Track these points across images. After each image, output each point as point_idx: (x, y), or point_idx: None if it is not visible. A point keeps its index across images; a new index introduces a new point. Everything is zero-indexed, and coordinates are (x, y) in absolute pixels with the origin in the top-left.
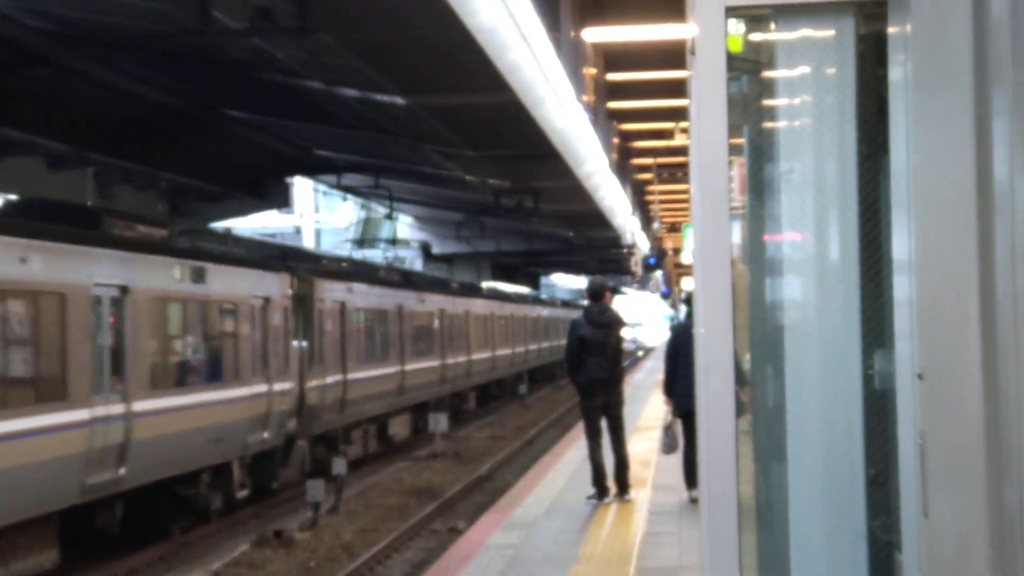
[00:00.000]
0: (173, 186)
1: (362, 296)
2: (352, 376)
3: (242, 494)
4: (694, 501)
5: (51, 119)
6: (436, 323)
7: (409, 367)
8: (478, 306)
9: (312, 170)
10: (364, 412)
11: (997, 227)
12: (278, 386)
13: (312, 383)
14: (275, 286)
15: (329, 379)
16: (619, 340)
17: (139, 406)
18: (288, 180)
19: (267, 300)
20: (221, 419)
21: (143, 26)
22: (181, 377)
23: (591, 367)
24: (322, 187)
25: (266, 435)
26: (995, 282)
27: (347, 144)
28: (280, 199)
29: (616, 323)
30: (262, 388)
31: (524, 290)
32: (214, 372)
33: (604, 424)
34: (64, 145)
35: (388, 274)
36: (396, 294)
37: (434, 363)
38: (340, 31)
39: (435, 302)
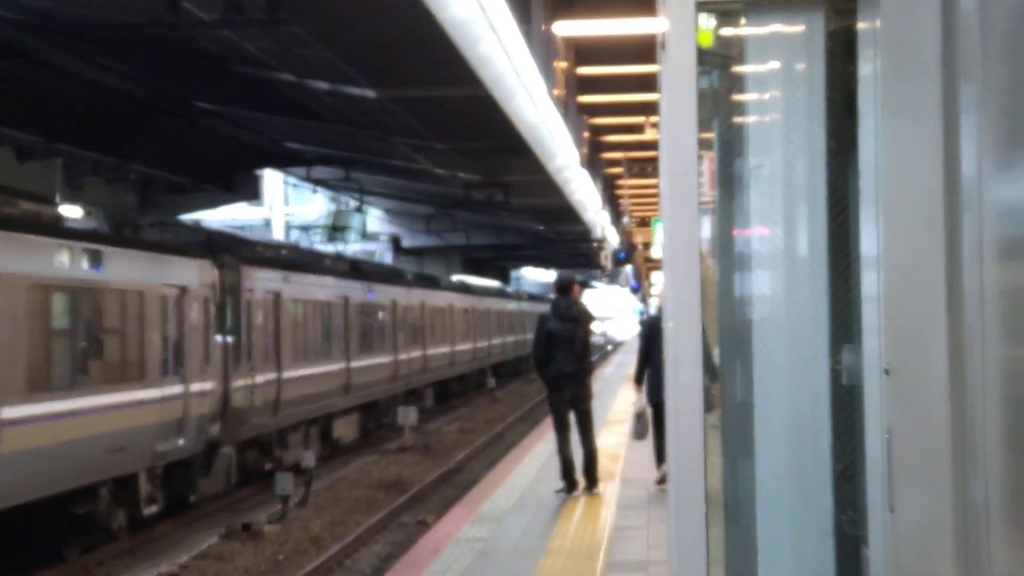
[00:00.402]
0: (143, 178)
1: (301, 286)
2: (288, 374)
3: (151, 510)
4: (662, 481)
5: (20, 110)
6: (388, 316)
7: (356, 364)
8: (436, 298)
9: (282, 163)
10: (303, 413)
11: (964, 223)
12: (196, 386)
13: (239, 383)
14: (193, 274)
15: (260, 378)
16: (587, 334)
17: (10, 413)
18: (258, 172)
19: (183, 289)
20: (123, 425)
21: (114, 17)
22: (68, 378)
23: (559, 361)
24: (292, 180)
25: (181, 442)
26: (962, 278)
27: (317, 137)
28: (250, 192)
29: (584, 317)
30: (176, 389)
31: (489, 283)
32: (112, 372)
33: (573, 418)
34: (33, 136)
35: (335, 263)
36: (342, 284)
37: (385, 359)
38: (311, 23)
39: (387, 293)
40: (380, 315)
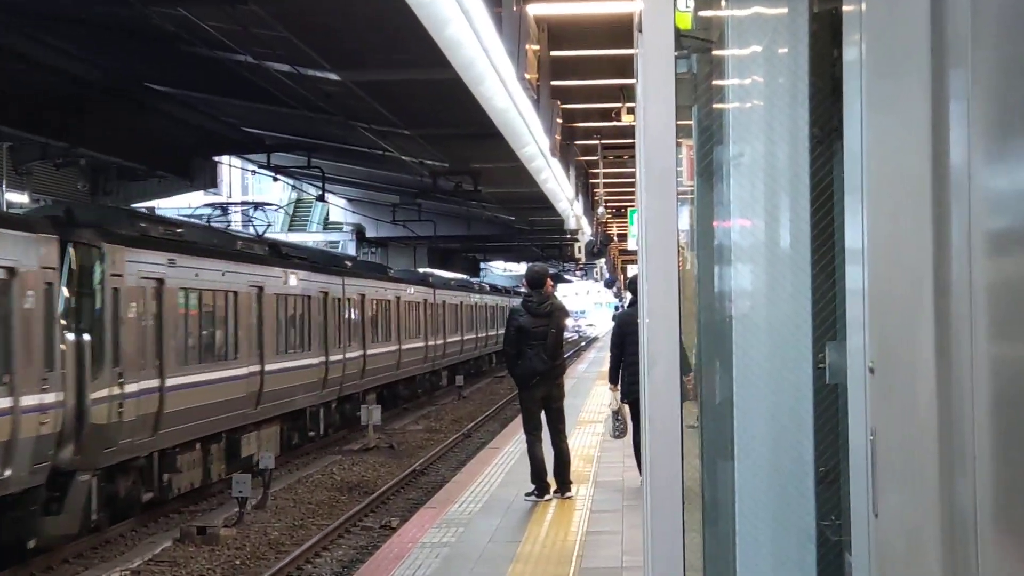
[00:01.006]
0: (94, 164)
1: (194, 272)
2: (174, 381)
3: None
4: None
5: None
6: (318, 310)
7: (272, 367)
8: (381, 289)
9: (241, 149)
10: (197, 429)
11: (953, 214)
12: (30, 399)
13: (100, 393)
14: (26, 253)
15: (133, 386)
16: (560, 330)
17: None
18: (215, 159)
19: (11, 272)
20: None
21: None
22: None
23: (530, 358)
24: (251, 167)
25: (8, 473)
26: (950, 272)
27: (277, 122)
28: (207, 179)
29: (557, 313)
30: None
31: (449, 274)
32: None
33: (544, 418)
34: None
35: (248, 245)
36: (255, 271)
37: (312, 361)
38: (271, 2)
39: (316, 283)
40: (307, 309)
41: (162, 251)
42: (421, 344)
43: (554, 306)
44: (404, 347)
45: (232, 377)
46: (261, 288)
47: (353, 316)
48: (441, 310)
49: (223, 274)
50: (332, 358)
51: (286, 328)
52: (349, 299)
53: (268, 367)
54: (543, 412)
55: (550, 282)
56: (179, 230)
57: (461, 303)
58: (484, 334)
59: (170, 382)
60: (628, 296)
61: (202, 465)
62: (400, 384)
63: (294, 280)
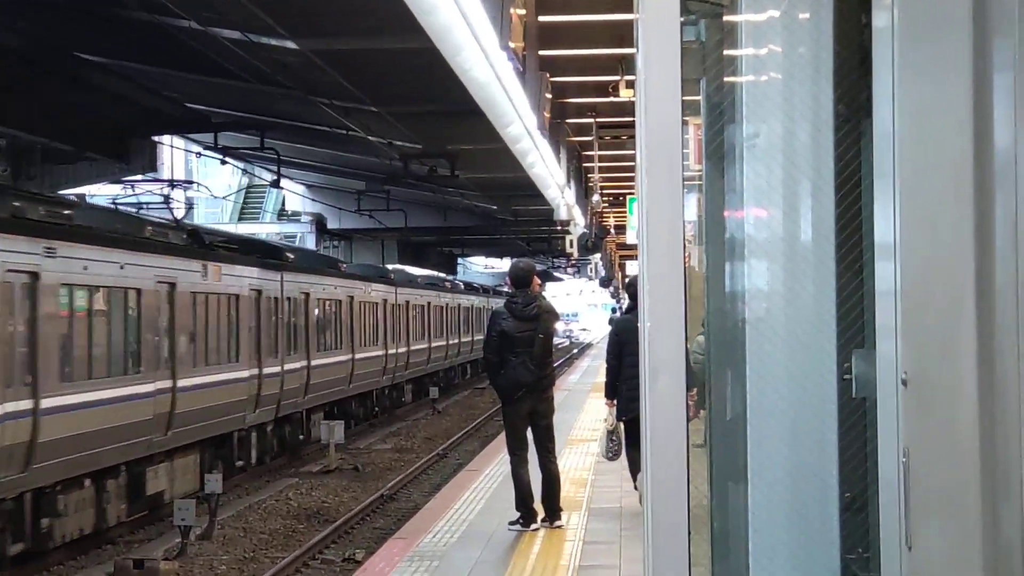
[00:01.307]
0: (16, 144)
1: (82, 265)
2: (53, 403)
3: None
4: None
5: None
6: (248, 312)
7: (187, 383)
8: (330, 288)
9: (184, 127)
10: (85, 462)
11: (997, 204)
12: None
13: None
14: None
15: None
16: (549, 336)
17: None
18: (155, 139)
19: None
20: None
21: None
22: None
23: (515, 368)
24: (196, 148)
25: None
26: (994, 269)
27: (226, 97)
28: (145, 162)
29: (545, 315)
30: None
31: (416, 271)
32: None
33: (531, 436)
34: None
35: (158, 232)
36: (165, 264)
37: (240, 374)
38: None
39: (247, 279)
40: (234, 310)
41: (38, 237)
42: (379, 353)
43: (542, 308)
44: (359, 357)
45: (133, 396)
46: (173, 285)
47: (294, 320)
48: (405, 312)
49: (121, 267)
50: (267, 371)
51: (206, 334)
52: (289, 299)
53: (182, 383)
54: (529, 429)
55: (537, 281)
56: (67, 211)
57: (429, 304)
58: (457, 340)
59: (47, 403)
60: (626, 299)
61: (94, 506)
62: (353, 401)
63: (218, 275)
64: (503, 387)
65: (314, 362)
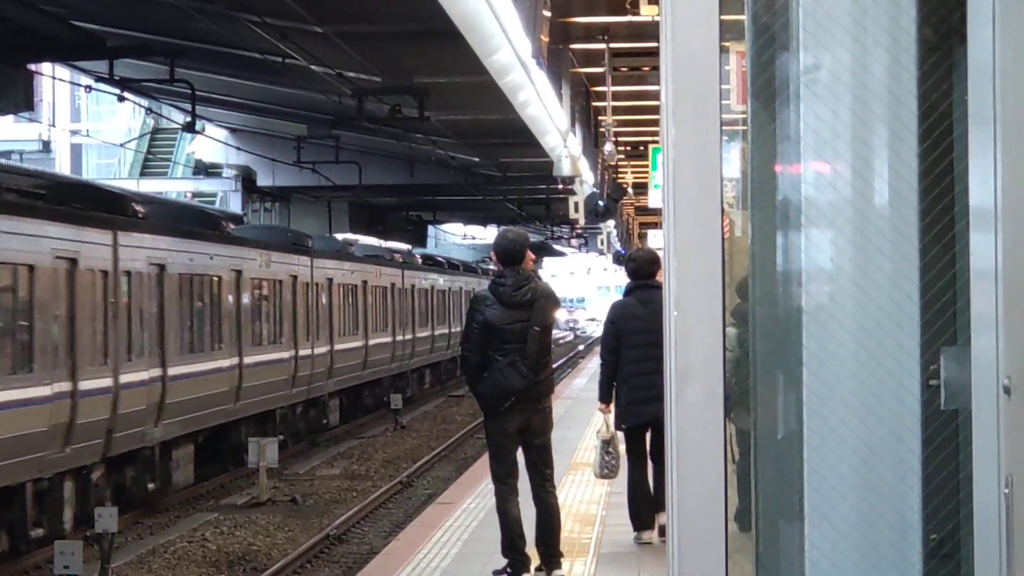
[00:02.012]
0: None
1: None
2: None
3: None
4: (644, 544)
5: None
6: (98, 293)
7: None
8: (201, 257)
9: (70, 53)
10: None
11: None
12: None
13: None
14: None
15: None
16: (546, 328)
17: None
18: (31, 68)
19: None
20: None
21: None
22: None
23: (502, 370)
24: (85, 80)
25: None
26: None
27: (125, 13)
28: (19, 98)
29: (542, 301)
30: None
31: (356, 239)
32: None
33: (522, 459)
34: None
35: None
36: None
37: (36, 392)
38: None
39: (94, 250)
40: (61, 298)
41: None
42: (284, 355)
43: (537, 292)
44: (249, 361)
45: None
46: None
47: (179, 309)
48: (327, 295)
49: None
50: (133, 378)
51: (22, 335)
52: (176, 277)
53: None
54: (521, 450)
55: (531, 256)
56: None
57: (366, 284)
58: (410, 336)
59: None
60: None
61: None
62: (241, 426)
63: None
64: (486, 396)
65: (172, 371)
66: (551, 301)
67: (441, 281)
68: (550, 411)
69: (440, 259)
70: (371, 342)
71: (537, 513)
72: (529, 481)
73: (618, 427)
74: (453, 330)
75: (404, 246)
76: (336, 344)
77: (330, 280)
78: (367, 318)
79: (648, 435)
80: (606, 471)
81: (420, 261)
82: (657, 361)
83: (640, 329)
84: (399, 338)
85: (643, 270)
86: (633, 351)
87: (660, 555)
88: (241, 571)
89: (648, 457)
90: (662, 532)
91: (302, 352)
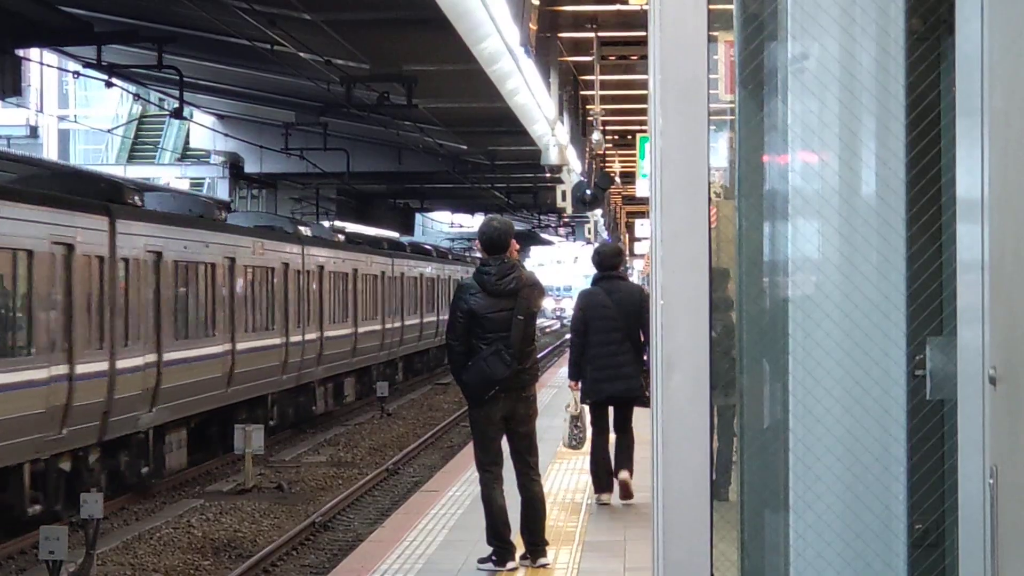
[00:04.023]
0: None
1: None
2: None
3: None
4: (603, 504)
5: None
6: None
7: None
8: (179, 244)
9: (58, 39)
10: None
11: None
12: None
13: None
14: None
15: None
16: (530, 316)
17: None
18: (19, 54)
19: None
20: None
21: None
22: None
23: (486, 359)
24: (74, 65)
25: None
26: None
27: None
28: (6, 84)
29: (527, 290)
30: None
31: (345, 225)
32: None
33: (507, 447)
34: None
35: None
36: None
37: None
38: None
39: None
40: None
41: None
42: (217, 350)
43: (522, 281)
44: (171, 357)
45: None
46: None
47: (118, 299)
48: (283, 281)
49: None
50: (54, 371)
51: None
52: (126, 260)
53: None
54: (505, 439)
55: (515, 245)
56: None
57: (323, 270)
58: (375, 326)
59: None
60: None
61: None
62: (166, 433)
63: None
64: (470, 384)
65: (81, 368)
66: (536, 289)
67: (429, 269)
68: (535, 399)
69: (428, 247)
70: (332, 333)
71: (522, 501)
72: (514, 469)
73: (583, 402)
74: (427, 319)
75: (393, 233)
76: (298, 336)
77: (288, 267)
78: (318, 309)
79: (611, 410)
80: (574, 443)
81: (385, 245)
82: (618, 344)
83: (605, 316)
84: (388, 326)
85: (607, 262)
86: (597, 335)
87: (645, 543)
88: (227, 558)
89: (611, 430)
90: (622, 491)
91: (293, 339)
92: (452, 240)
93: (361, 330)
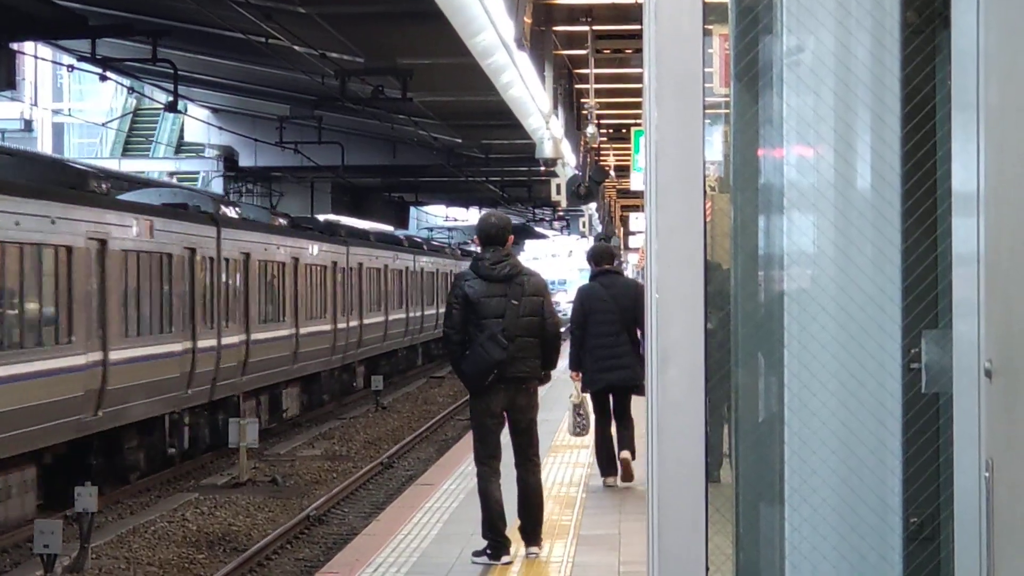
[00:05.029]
0: None
1: None
2: None
3: None
4: (609, 487)
5: None
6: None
7: None
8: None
9: (52, 32)
10: None
11: None
12: None
13: None
14: None
15: None
16: (524, 302)
17: None
18: (13, 47)
19: None
20: None
21: None
22: None
23: (483, 344)
24: (68, 60)
25: None
26: None
27: None
28: (0, 77)
29: (523, 278)
30: None
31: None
32: None
33: (507, 439)
34: None
35: None
36: None
37: None
38: None
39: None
40: None
41: None
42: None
43: (516, 268)
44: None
45: None
46: None
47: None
48: (186, 271)
49: None
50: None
51: None
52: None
53: None
54: (507, 430)
55: (511, 238)
56: None
57: (250, 258)
58: (323, 326)
59: None
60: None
61: None
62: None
63: None
64: (469, 372)
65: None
66: (533, 279)
67: (401, 261)
68: (535, 392)
69: (401, 236)
70: (255, 335)
71: (519, 492)
72: (514, 460)
73: (584, 391)
74: (394, 316)
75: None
76: (208, 340)
77: (238, 258)
78: (297, 303)
79: (611, 398)
80: (578, 430)
81: (361, 237)
82: (616, 336)
83: (603, 309)
84: (341, 326)
85: (602, 259)
86: (596, 328)
87: (640, 536)
88: (221, 551)
89: (612, 416)
90: (623, 470)
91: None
92: (431, 230)
93: (305, 331)
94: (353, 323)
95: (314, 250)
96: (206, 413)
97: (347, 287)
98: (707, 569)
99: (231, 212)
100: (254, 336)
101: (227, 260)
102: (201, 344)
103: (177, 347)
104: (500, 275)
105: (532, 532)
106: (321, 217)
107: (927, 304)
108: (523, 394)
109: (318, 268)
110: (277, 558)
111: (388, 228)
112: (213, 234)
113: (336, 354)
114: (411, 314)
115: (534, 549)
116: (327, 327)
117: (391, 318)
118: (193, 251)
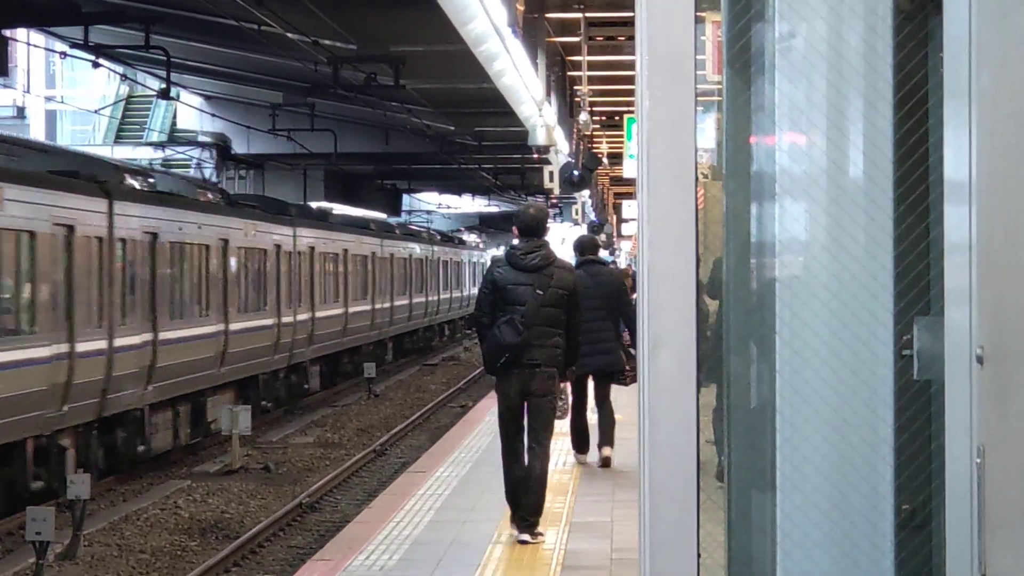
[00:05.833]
0: None
1: None
2: None
3: None
4: (582, 464)
5: None
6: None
7: None
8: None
9: (44, 19)
10: None
11: None
12: None
13: None
14: None
15: None
16: (550, 295)
17: None
18: (5, 34)
19: None
20: None
21: None
22: None
23: (500, 327)
24: (60, 46)
25: None
26: None
27: None
28: None
29: (555, 271)
30: None
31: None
32: None
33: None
34: None
35: None
36: None
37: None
38: None
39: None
40: None
41: None
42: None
43: (547, 260)
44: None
45: None
46: None
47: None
48: (60, 252)
49: None
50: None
51: None
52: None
53: None
54: (525, 414)
55: (515, 230)
56: None
57: (157, 239)
58: (264, 320)
59: None
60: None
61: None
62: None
63: None
64: (485, 352)
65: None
66: (566, 273)
67: (371, 246)
68: (552, 376)
69: (367, 219)
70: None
71: (524, 475)
72: (526, 441)
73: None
74: (355, 308)
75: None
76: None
77: (143, 241)
78: (226, 293)
79: (591, 382)
80: (559, 414)
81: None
82: (600, 322)
83: (587, 296)
84: (287, 320)
85: (588, 249)
86: (587, 314)
87: (632, 523)
88: (214, 538)
89: (588, 399)
90: (606, 463)
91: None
92: (408, 212)
93: (237, 327)
94: (302, 316)
95: (250, 231)
96: (95, 434)
97: (294, 274)
98: (699, 556)
99: (136, 183)
100: (164, 335)
101: (123, 241)
102: (81, 348)
103: (44, 352)
104: (529, 265)
105: (524, 519)
106: (314, 205)
107: (919, 291)
108: (536, 380)
109: (257, 252)
110: (269, 545)
111: (381, 216)
112: (103, 208)
113: (280, 353)
114: (378, 305)
115: (524, 535)
116: (268, 321)
117: (352, 310)
118: (71, 229)
